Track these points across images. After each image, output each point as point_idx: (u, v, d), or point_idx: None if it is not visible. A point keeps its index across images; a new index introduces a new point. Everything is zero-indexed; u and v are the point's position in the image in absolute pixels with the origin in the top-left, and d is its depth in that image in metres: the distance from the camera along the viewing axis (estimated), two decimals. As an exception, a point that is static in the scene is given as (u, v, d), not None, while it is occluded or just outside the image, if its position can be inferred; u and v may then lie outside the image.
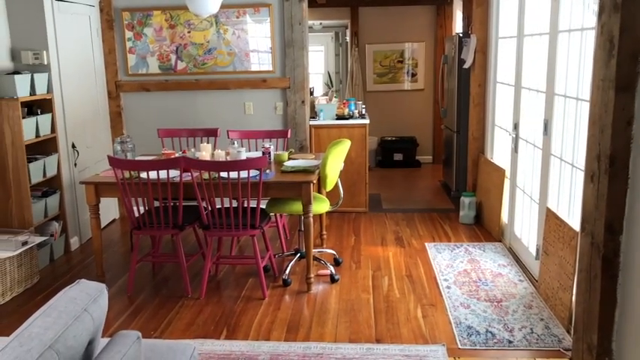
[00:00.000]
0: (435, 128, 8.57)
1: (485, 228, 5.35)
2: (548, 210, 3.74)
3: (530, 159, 4.31)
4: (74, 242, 5.09)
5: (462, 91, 6.16)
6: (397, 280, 4.22)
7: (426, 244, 4.96)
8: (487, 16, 5.46)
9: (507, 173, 4.87)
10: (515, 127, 4.59)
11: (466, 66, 5.77)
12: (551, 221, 3.68)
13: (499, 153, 5.33)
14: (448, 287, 4.03)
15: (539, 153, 4.02)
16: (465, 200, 5.51)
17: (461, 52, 6.03)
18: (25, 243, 4.11)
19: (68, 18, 5.04)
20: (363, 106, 6.19)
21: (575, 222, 3.34)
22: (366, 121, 5.91)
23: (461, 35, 6.15)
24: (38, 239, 4.29)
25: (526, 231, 4.42)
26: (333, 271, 4.25)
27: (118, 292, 4.12)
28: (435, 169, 8.17)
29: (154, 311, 3.81)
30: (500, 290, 3.96)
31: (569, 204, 3.56)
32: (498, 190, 5.02)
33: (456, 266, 4.42)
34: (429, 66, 8.53)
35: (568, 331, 3.31)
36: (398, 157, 8.41)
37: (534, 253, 4.11)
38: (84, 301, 1.75)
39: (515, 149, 4.64)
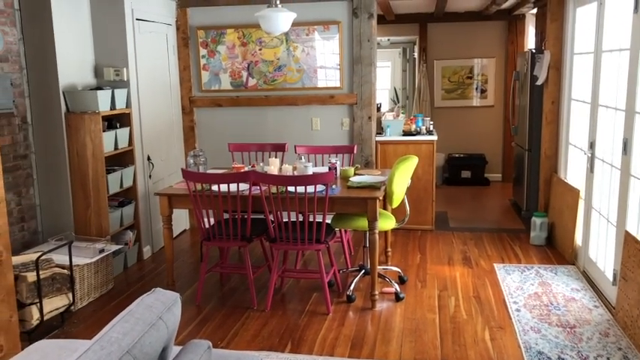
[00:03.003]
0: (505, 146, 8.37)
1: (558, 250, 5.15)
2: (627, 233, 3.57)
3: (608, 179, 4.13)
4: (147, 251, 5.29)
5: (534, 108, 6.00)
6: (464, 300, 4.13)
7: (495, 264, 4.83)
8: (562, 31, 5.30)
9: (582, 194, 4.68)
10: (591, 146, 4.41)
11: (539, 82, 5.62)
12: (630, 245, 3.50)
13: (573, 172, 5.14)
14: (518, 310, 3.91)
15: (618, 173, 3.84)
16: (537, 221, 5.33)
17: (533, 69, 5.88)
18: (101, 251, 4.31)
19: (147, 36, 5.30)
20: (431, 123, 6.14)
21: (657, 247, 3.16)
22: (434, 137, 5.85)
23: (533, 51, 6.01)
24: (114, 247, 4.49)
25: (602, 254, 4.23)
26: (398, 289, 4.21)
27: (186, 300, 4.24)
28: (505, 188, 7.96)
29: (221, 321, 3.90)
30: (574, 316, 3.79)
31: (651, 228, 3.39)
32: (572, 211, 4.83)
33: (526, 289, 4.27)
34: (499, 82, 8.36)
35: (648, 363, 3.13)
36: (466, 174, 8.25)
37: (611, 279, 3.92)
38: (159, 309, 1.81)
39: (590, 169, 4.46)
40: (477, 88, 8.42)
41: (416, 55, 8.92)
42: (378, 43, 8.85)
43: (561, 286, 4.30)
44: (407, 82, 9.97)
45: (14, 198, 4.27)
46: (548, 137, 5.55)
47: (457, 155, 8.35)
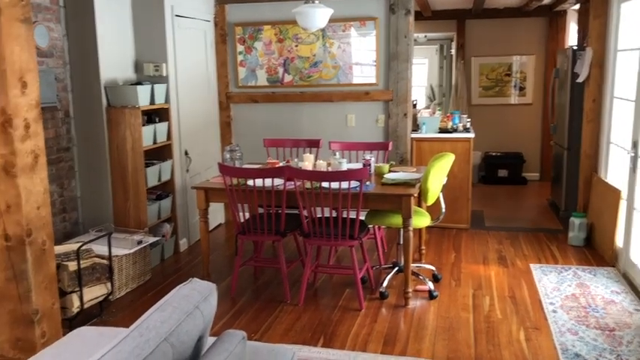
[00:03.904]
0: (544, 144, 8.21)
1: (597, 251, 5.04)
2: (671, 235, 3.46)
3: (651, 180, 4.02)
4: (183, 244, 5.38)
5: (574, 107, 5.87)
6: (499, 300, 4.08)
7: (531, 265, 4.75)
8: (605, 28, 5.17)
9: (623, 194, 4.56)
10: (635, 145, 4.30)
11: (580, 80, 5.49)
12: (673, 247, 3.40)
13: (614, 172, 5.01)
14: (554, 311, 3.84)
15: (662, 173, 3.73)
16: (575, 221, 5.22)
17: (574, 66, 5.75)
18: (140, 242, 4.41)
19: (186, 33, 5.37)
20: (468, 120, 6.06)
21: (702, 250, 3.06)
22: (471, 135, 5.77)
23: (575, 48, 5.87)
24: (152, 239, 4.59)
25: (644, 257, 4.12)
26: (432, 288, 4.18)
27: (221, 293, 4.30)
28: (543, 187, 7.81)
29: (254, 314, 3.94)
30: (613, 318, 3.70)
31: (696, 230, 3.28)
32: (613, 212, 4.71)
33: (564, 290, 4.19)
34: (538, 80, 8.19)
35: (691, 369, 3.04)
36: (503, 173, 8.13)
37: (653, 281, 3.82)
38: (196, 299, 1.85)
39: (633, 169, 4.34)
40: (515, 86, 8.28)
41: (453, 51, 8.82)
42: (415, 40, 8.79)
43: (600, 288, 4.20)
44: (443, 79, 9.87)
45: (57, 190, 4.40)
46: (588, 136, 5.43)
47: (494, 153, 8.23)
